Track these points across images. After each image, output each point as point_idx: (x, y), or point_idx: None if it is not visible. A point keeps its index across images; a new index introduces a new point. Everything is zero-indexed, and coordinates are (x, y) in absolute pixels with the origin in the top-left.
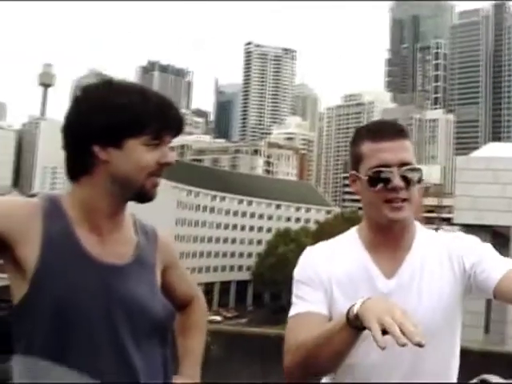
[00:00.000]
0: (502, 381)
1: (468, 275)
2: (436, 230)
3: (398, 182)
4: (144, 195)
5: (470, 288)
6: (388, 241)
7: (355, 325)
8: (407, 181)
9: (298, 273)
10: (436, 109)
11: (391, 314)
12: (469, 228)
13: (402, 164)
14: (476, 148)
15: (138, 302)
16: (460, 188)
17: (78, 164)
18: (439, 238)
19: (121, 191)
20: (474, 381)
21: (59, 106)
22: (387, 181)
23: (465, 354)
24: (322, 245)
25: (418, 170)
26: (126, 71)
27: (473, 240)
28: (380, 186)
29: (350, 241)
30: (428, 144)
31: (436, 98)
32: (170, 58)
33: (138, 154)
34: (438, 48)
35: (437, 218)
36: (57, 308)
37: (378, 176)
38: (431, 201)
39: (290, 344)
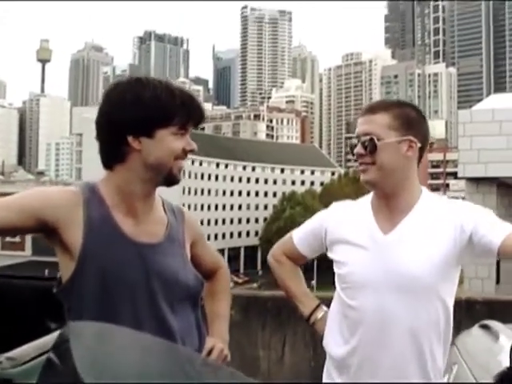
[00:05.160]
0: (501, 325)
1: (467, 238)
2: (443, 184)
3: (358, 149)
4: (172, 179)
5: (470, 250)
6: (384, 203)
7: (306, 317)
8: (368, 147)
9: (319, 213)
10: (437, 63)
11: None
12: (474, 181)
13: (365, 134)
14: (480, 100)
15: (172, 273)
16: (464, 142)
17: (113, 153)
18: (442, 202)
19: (152, 176)
20: (476, 326)
21: (58, 82)
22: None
23: (472, 303)
24: (345, 203)
25: (373, 139)
26: (122, 43)
27: (475, 207)
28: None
29: (364, 203)
30: (430, 99)
31: (436, 52)
32: (166, 27)
33: (167, 143)
34: (436, 0)
35: (442, 173)
36: (101, 281)
37: (351, 145)
38: (436, 156)
39: (275, 249)
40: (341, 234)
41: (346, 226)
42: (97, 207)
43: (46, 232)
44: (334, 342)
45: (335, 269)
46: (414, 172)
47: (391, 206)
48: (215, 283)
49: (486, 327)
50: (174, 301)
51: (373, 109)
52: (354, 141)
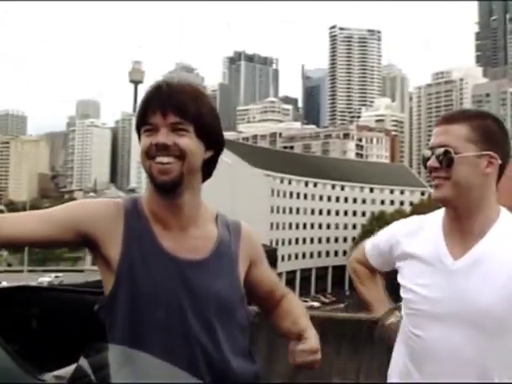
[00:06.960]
0: None
1: None
2: None
3: (432, 162)
4: (154, 181)
5: None
6: (457, 224)
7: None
8: (444, 161)
9: (391, 226)
10: None
11: None
12: None
13: (440, 146)
14: None
15: (215, 293)
16: None
17: None
18: None
19: (151, 183)
20: None
21: None
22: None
23: None
24: (416, 219)
25: (449, 152)
26: (213, 63)
27: None
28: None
29: (434, 221)
30: None
31: None
32: (255, 47)
33: (141, 144)
34: None
35: None
36: (134, 300)
37: (424, 158)
38: None
39: (350, 258)
40: (408, 252)
41: (414, 245)
42: (136, 220)
43: (87, 245)
44: (398, 376)
45: (401, 291)
46: (491, 191)
47: (464, 228)
48: (289, 302)
49: None
50: (216, 325)
51: (450, 118)
52: (428, 153)
